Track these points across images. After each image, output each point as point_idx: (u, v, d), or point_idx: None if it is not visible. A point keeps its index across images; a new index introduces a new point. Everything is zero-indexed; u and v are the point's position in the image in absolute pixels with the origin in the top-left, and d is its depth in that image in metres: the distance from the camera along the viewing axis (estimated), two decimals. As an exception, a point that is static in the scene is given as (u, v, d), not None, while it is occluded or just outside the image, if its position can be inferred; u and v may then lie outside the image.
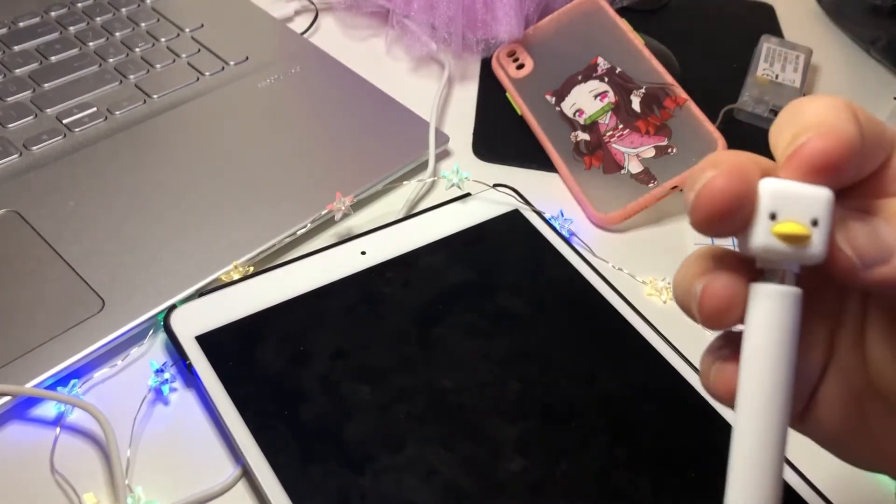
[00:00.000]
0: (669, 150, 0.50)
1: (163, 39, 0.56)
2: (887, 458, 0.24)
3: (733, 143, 0.50)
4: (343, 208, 0.45)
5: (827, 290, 0.23)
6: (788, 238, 0.19)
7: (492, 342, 0.40)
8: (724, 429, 0.38)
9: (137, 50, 0.55)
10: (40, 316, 0.39)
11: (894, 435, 0.23)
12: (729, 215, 0.20)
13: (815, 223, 0.19)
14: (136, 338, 0.40)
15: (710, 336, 0.43)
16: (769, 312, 0.20)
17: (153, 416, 0.38)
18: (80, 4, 0.58)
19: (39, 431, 0.37)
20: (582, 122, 0.53)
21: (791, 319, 0.20)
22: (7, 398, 0.36)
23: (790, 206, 0.19)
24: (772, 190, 0.20)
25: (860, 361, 0.23)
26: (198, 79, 0.54)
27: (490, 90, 0.59)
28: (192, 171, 0.47)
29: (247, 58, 0.56)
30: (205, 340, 0.38)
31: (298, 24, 0.63)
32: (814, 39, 0.67)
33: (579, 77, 0.55)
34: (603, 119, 0.53)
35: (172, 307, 0.40)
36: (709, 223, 0.20)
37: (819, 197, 0.19)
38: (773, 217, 0.20)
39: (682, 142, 0.50)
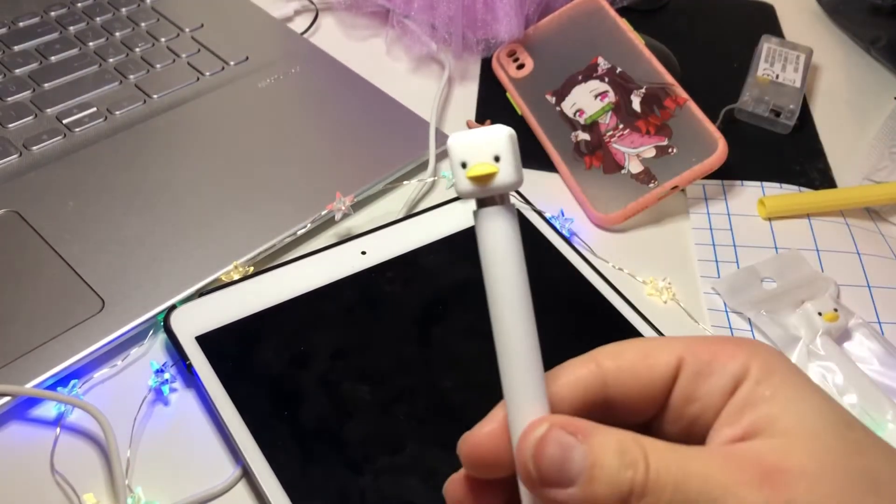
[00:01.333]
0: (670, 150, 0.50)
1: (163, 39, 0.56)
2: None
3: (734, 143, 0.50)
4: (343, 208, 0.45)
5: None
6: (480, 178, 0.22)
7: (492, 342, 0.40)
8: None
9: (137, 50, 0.55)
10: (40, 316, 0.39)
11: None
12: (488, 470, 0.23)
13: (497, 159, 0.22)
14: (136, 338, 0.40)
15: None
16: (494, 226, 0.23)
17: (153, 416, 0.38)
18: (79, 4, 0.58)
19: (39, 432, 0.36)
20: (582, 122, 0.53)
21: (513, 229, 0.23)
22: (7, 398, 0.36)
23: (474, 152, 0.23)
24: (457, 144, 0.23)
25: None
26: (198, 79, 0.54)
27: (490, 90, 0.59)
28: (192, 170, 0.47)
29: (247, 58, 0.56)
30: (205, 341, 0.38)
31: (298, 24, 0.63)
32: (814, 39, 0.67)
33: (580, 77, 0.55)
34: (603, 119, 0.53)
35: (172, 307, 0.40)
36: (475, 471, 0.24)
37: (496, 136, 0.22)
38: (464, 165, 0.23)
39: (682, 142, 0.50)
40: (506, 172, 0.23)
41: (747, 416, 0.22)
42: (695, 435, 0.24)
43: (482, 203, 0.23)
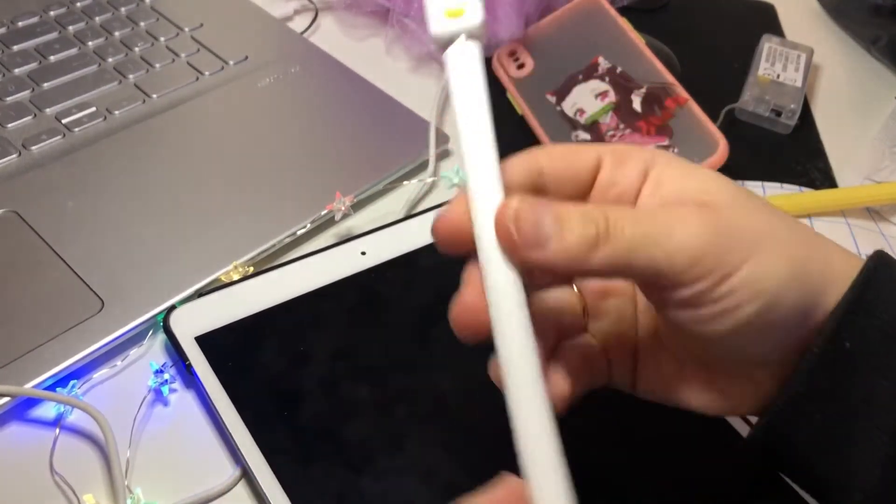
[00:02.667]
0: (671, 149, 0.50)
1: (162, 39, 0.56)
2: (724, 403, 0.30)
3: (735, 143, 0.50)
4: (343, 208, 0.45)
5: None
6: (452, 14, 0.26)
7: (491, 342, 0.40)
8: (737, 437, 0.38)
9: (137, 49, 0.55)
10: (40, 316, 0.39)
11: (712, 384, 0.30)
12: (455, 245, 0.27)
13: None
14: (135, 338, 0.40)
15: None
16: (464, 60, 0.26)
17: (153, 416, 0.38)
18: (79, 4, 0.58)
19: (39, 432, 0.36)
20: (583, 121, 0.53)
21: (480, 61, 0.27)
22: (6, 399, 0.36)
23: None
24: None
25: (656, 338, 0.31)
26: (197, 78, 0.54)
27: (490, 90, 0.59)
28: (192, 170, 0.47)
29: (246, 57, 0.56)
30: (204, 341, 0.38)
31: (298, 24, 0.63)
32: (815, 39, 0.67)
33: (580, 77, 0.55)
34: (604, 119, 0.53)
35: (172, 308, 0.40)
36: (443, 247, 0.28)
37: None
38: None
39: (683, 142, 0.50)
40: (471, 11, 0.26)
41: (663, 189, 0.28)
42: None
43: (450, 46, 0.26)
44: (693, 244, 0.25)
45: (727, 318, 0.26)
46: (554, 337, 0.30)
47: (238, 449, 0.35)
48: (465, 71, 0.26)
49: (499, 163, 0.26)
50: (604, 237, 0.25)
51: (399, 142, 0.52)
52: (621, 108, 0.53)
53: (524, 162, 0.28)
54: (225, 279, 0.41)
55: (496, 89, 0.58)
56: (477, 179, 0.26)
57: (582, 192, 0.29)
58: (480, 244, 0.26)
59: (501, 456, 0.36)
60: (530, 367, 0.25)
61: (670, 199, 0.27)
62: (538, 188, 0.28)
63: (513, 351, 0.25)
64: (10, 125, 0.48)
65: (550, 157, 0.28)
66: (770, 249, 0.26)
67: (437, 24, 0.26)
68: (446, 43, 0.26)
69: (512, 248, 0.25)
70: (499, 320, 0.25)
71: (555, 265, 0.25)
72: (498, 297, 0.25)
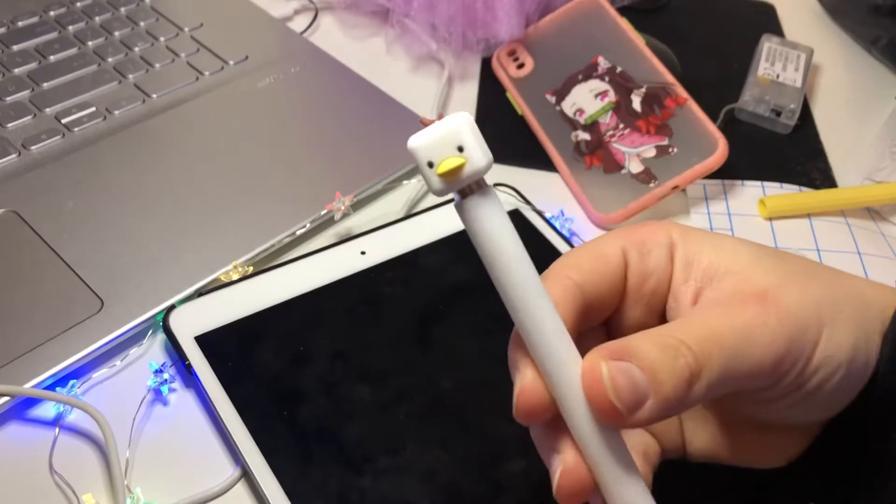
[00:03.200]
0: (670, 149, 0.50)
1: (162, 39, 0.56)
2: (763, 455, 0.30)
3: (734, 143, 0.50)
4: (343, 208, 0.45)
5: None
6: (450, 173, 0.22)
7: (492, 342, 0.40)
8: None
9: (136, 49, 0.55)
10: (39, 316, 0.39)
11: (758, 444, 0.29)
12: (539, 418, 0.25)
13: (461, 149, 0.22)
14: (135, 338, 0.40)
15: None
16: (481, 214, 0.23)
17: (152, 416, 0.37)
18: (79, 4, 0.58)
19: (38, 432, 0.36)
20: (582, 121, 0.53)
21: (499, 210, 0.23)
22: (6, 398, 0.36)
23: (437, 148, 0.22)
24: (417, 145, 0.23)
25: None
26: (197, 78, 0.54)
27: (490, 90, 0.59)
28: (192, 170, 0.47)
29: (246, 57, 0.56)
30: (204, 341, 0.38)
31: (298, 24, 0.63)
32: (815, 39, 0.67)
33: (580, 76, 0.55)
34: (603, 118, 0.53)
35: (171, 307, 0.39)
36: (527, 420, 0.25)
37: (454, 126, 0.22)
38: (430, 165, 0.23)
39: (682, 141, 0.50)
40: (474, 160, 0.23)
41: (693, 271, 0.27)
42: (654, 308, 0.28)
43: (462, 194, 0.23)
44: (775, 346, 0.25)
45: (812, 400, 0.26)
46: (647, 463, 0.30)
47: (238, 448, 0.35)
48: (491, 229, 0.23)
49: (563, 326, 0.24)
50: (696, 372, 0.24)
51: (399, 142, 0.51)
52: (621, 108, 0.53)
53: (563, 290, 0.26)
54: (224, 279, 0.41)
55: (496, 89, 0.58)
56: (545, 344, 0.24)
57: (617, 290, 0.28)
58: (572, 418, 0.24)
59: (501, 456, 0.36)
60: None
61: (720, 292, 0.26)
62: (583, 309, 0.27)
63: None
64: (9, 125, 0.48)
65: (580, 272, 0.27)
66: (832, 321, 0.26)
67: (438, 183, 0.23)
68: (449, 194, 0.24)
69: (616, 420, 0.23)
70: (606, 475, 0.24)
71: (660, 419, 0.24)
72: (599, 456, 0.24)
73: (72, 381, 0.37)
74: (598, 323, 0.28)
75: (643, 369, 0.23)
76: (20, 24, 0.55)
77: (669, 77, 0.53)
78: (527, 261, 0.23)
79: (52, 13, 0.57)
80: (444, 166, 0.22)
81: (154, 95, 0.52)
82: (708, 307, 0.26)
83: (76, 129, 0.49)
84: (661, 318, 0.28)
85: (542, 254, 0.45)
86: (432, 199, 0.50)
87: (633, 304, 0.28)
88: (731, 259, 0.27)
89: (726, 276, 0.26)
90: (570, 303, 0.26)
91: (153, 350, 0.40)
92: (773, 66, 0.61)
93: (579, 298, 0.26)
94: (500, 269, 0.23)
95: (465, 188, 0.23)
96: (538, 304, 0.23)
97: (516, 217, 0.47)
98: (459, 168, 0.22)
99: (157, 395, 0.38)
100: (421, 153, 0.23)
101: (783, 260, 0.27)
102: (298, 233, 0.45)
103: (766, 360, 0.24)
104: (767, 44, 0.63)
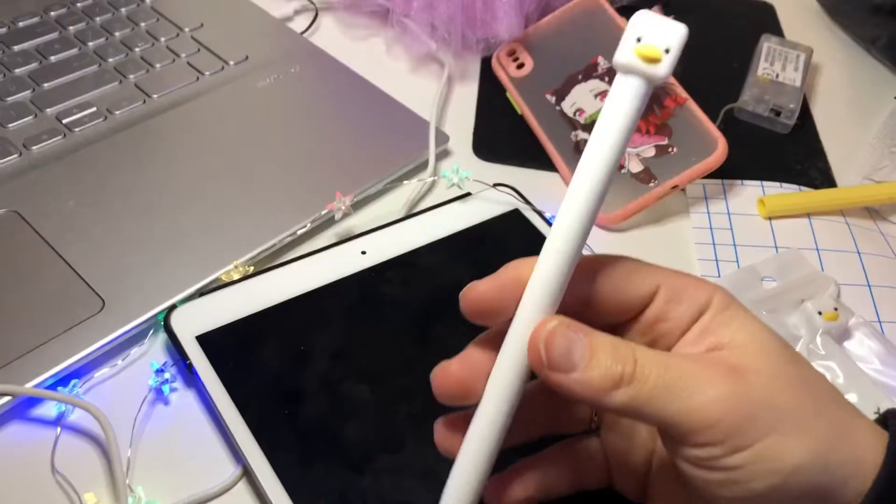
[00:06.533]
0: (670, 149, 0.50)
1: (162, 39, 0.56)
2: None
3: (734, 142, 0.50)
4: (343, 208, 0.45)
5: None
6: (646, 58, 0.24)
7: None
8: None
9: (137, 50, 0.55)
10: (40, 316, 0.39)
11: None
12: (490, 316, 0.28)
13: (667, 51, 0.24)
14: (136, 338, 0.40)
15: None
16: (632, 95, 0.25)
17: (153, 415, 0.38)
18: (79, 4, 0.58)
19: (40, 431, 0.36)
20: (582, 121, 0.53)
21: (641, 106, 0.25)
22: (8, 398, 0.36)
23: (653, 33, 0.24)
24: (642, 19, 0.24)
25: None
26: (197, 78, 0.54)
27: (490, 89, 0.59)
28: (192, 170, 0.47)
29: (246, 57, 0.56)
30: (205, 340, 0.38)
31: (298, 24, 0.63)
32: (814, 39, 0.67)
33: (580, 76, 0.55)
34: (603, 118, 0.53)
35: (173, 307, 0.40)
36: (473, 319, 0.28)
37: (676, 31, 0.24)
38: (638, 40, 0.24)
39: (682, 141, 0.50)
40: (666, 66, 0.24)
41: (708, 338, 0.27)
42: (657, 347, 0.28)
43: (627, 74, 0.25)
44: (711, 409, 0.25)
45: (735, 487, 0.26)
46: (539, 428, 0.32)
47: (239, 448, 0.35)
48: (628, 110, 0.25)
49: (584, 236, 0.26)
50: (627, 379, 0.25)
51: (399, 141, 0.52)
52: (621, 108, 0.53)
53: (581, 273, 0.27)
54: (225, 278, 0.42)
55: (496, 89, 0.58)
56: (549, 255, 0.26)
57: (628, 315, 0.28)
58: (507, 343, 0.27)
59: (501, 455, 0.36)
60: (487, 447, 0.27)
61: (708, 352, 0.27)
62: (585, 298, 0.28)
63: (482, 433, 0.27)
64: (10, 125, 0.48)
65: (610, 275, 0.28)
66: (790, 431, 0.25)
67: (629, 56, 0.24)
68: (625, 71, 0.25)
69: (537, 366, 0.26)
70: (487, 404, 0.27)
71: (572, 393, 0.25)
72: (499, 384, 0.27)
73: (73, 381, 0.37)
74: (600, 323, 0.28)
75: (585, 347, 0.25)
76: (21, 24, 0.55)
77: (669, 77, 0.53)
78: (618, 149, 0.25)
79: (52, 14, 0.57)
80: (647, 51, 0.24)
81: (154, 95, 0.52)
82: (685, 354, 0.27)
83: (77, 129, 0.49)
84: None
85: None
86: (432, 200, 0.50)
87: (640, 332, 0.28)
88: (747, 338, 0.27)
89: (731, 349, 0.27)
90: (577, 287, 0.27)
91: (154, 350, 0.40)
92: (772, 66, 0.61)
93: (586, 287, 0.27)
94: (597, 141, 0.25)
95: (634, 74, 0.24)
96: (581, 209, 0.26)
97: (516, 217, 0.47)
98: (654, 60, 0.24)
99: (159, 395, 0.38)
100: (640, 26, 0.24)
101: (792, 363, 0.27)
102: (299, 233, 0.45)
103: (696, 414, 0.25)
104: (767, 44, 0.63)
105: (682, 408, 0.25)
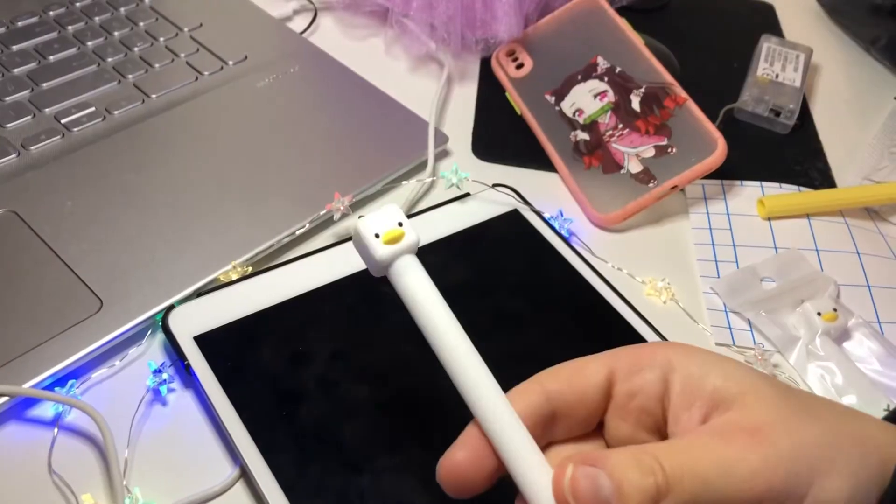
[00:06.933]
0: (669, 149, 0.50)
1: (161, 39, 0.56)
2: None
3: (733, 143, 0.50)
4: (342, 208, 0.45)
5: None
6: (394, 240, 0.28)
7: (491, 342, 0.40)
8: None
9: (136, 49, 0.55)
10: (38, 316, 0.39)
11: None
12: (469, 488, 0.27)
13: (400, 224, 0.29)
14: (134, 338, 0.40)
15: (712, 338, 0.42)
16: (413, 274, 0.29)
17: (151, 416, 0.38)
18: (78, 4, 0.58)
19: (37, 432, 0.36)
20: (581, 121, 0.53)
21: (423, 271, 0.29)
22: (5, 398, 0.36)
23: (380, 224, 0.28)
24: (365, 223, 0.28)
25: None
26: (196, 78, 0.54)
27: (489, 90, 0.59)
28: (191, 170, 0.47)
29: (245, 57, 0.56)
30: (203, 341, 0.38)
31: (297, 24, 0.63)
32: (814, 39, 0.67)
33: (579, 76, 0.55)
34: (602, 119, 0.53)
35: (171, 307, 0.40)
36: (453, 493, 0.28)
37: (391, 209, 0.29)
38: (377, 235, 0.28)
39: (682, 141, 0.50)
40: (412, 231, 0.29)
41: (697, 398, 0.27)
42: (645, 425, 0.28)
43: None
44: (755, 484, 0.24)
45: None
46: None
47: (236, 448, 0.35)
48: (423, 287, 0.29)
49: (506, 402, 0.27)
50: (664, 490, 0.24)
51: (398, 142, 0.52)
52: (620, 108, 0.53)
53: (529, 394, 0.28)
54: (224, 279, 0.41)
55: (495, 89, 0.58)
56: (501, 432, 0.27)
57: (595, 411, 0.28)
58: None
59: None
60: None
61: (710, 412, 0.27)
62: (547, 416, 0.28)
63: None
64: (9, 125, 0.48)
65: (557, 380, 0.28)
66: (827, 469, 0.25)
67: (382, 249, 0.28)
68: (388, 265, 0.29)
69: None
70: None
71: None
72: None
73: (71, 381, 0.37)
74: (575, 434, 0.29)
75: (611, 478, 0.24)
76: (20, 24, 0.55)
77: (668, 77, 0.53)
78: (455, 324, 0.29)
79: (51, 13, 0.57)
80: (390, 235, 0.28)
81: (153, 95, 0.52)
82: (698, 433, 0.26)
83: (76, 129, 0.49)
84: (656, 435, 0.29)
85: (540, 254, 0.45)
86: (431, 200, 0.50)
87: (620, 419, 0.28)
88: (736, 387, 0.27)
89: (732, 404, 0.26)
90: (533, 409, 0.27)
91: (152, 350, 0.40)
92: (772, 66, 0.61)
93: (541, 406, 0.27)
94: (435, 332, 0.29)
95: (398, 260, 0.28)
96: (477, 374, 0.28)
97: (515, 217, 0.47)
98: (401, 236, 0.28)
99: (156, 395, 0.38)
100: (370, 226, 0.28)
101: (786, 395, 0.27)
102: (298, 233, 0.45)
103: (742, 496, 0.24)
104: (766, 44, 0.63)
105: (728, 496, 0.24)
